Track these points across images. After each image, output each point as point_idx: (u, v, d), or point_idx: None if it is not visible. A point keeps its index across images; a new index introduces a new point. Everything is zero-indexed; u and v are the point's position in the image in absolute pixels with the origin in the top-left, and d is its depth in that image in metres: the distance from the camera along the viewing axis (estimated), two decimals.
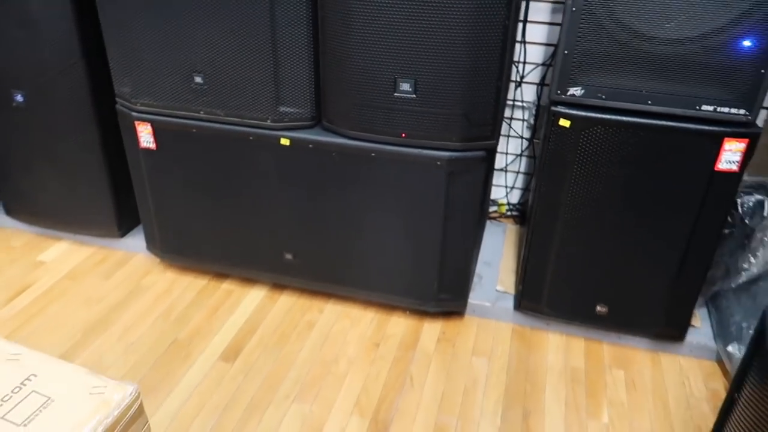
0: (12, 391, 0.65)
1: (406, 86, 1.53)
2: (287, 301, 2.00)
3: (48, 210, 2.19)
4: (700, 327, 1.87)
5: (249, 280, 2.07)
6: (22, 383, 0.65)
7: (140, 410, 0.68)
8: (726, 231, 1.80)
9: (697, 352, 1.84)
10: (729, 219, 1.80)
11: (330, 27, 1.54)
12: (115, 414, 0.64)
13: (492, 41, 1.45)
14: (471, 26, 1.43)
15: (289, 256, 1.91)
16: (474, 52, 1.46)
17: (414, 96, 1.54)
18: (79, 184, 2.09)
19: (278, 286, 2.05)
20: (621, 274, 1.73)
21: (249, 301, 1.99)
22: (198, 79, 1.69)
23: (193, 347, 1.80)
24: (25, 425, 0.62)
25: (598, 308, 1.80)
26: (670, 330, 1.80)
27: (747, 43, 1.35)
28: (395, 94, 1.55)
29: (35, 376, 0.67)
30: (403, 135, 1.61)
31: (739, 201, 1.78)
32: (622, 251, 1.69)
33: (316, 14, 1.55)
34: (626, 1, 1.37)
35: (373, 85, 1.55)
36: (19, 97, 1.94)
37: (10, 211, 2.28)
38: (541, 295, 1.84)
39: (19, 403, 0.64)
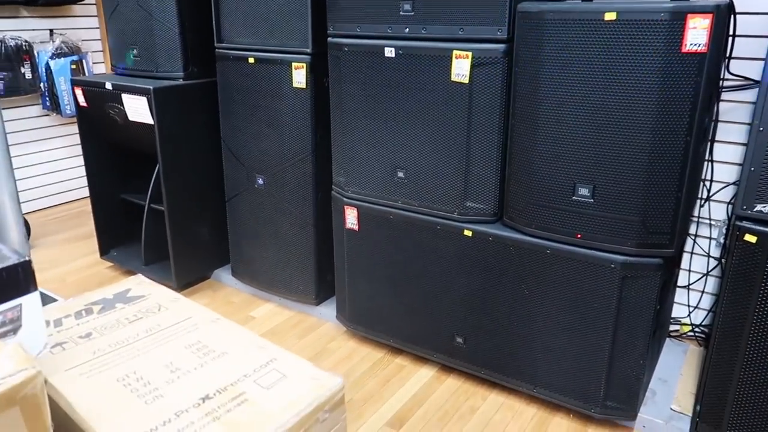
0: (261, 366, 0.92)
1: (584, 191, 1.66)
2: (453, 384, 2.11)
3: (263, 275, 2.61)
4: None
5: (421, 358, 2.23)
6: (267, 362, 0.93)
7: (342, 399, 0.90)
8: None
9: None
10: None
11: (518, 134, 1.75)
12: (326, 395, 0.88)
13: (673, 155, 1.54)
14: (652, 140, 1.54)
15: (459, 340, 2.05)
16: (654, 164, 1.56)
17: (592, 200, 1.66)
18: (291, 255, 2.48)
19: (446, 368, 2.18)
20: None
21: (418, 378, 2.14)
22: (400, 174, 1.99)
23: (365, 409, 1.98)
24: (268, 389, 0.87)
25: None
26: None
27: None
28: (573, 197, 1.68)
29: (275, 359, 0.93)
30: (579, 236, 1.72)
31: None
32: None
33: (508, 122, 1.78)
34: None
35: (554, 188, 1.71)
36: (260, 181, 2.42)
37: (235, 273, 2.75)
38: (721, 420, 1.73)
39: (266, 374, 0.92)
